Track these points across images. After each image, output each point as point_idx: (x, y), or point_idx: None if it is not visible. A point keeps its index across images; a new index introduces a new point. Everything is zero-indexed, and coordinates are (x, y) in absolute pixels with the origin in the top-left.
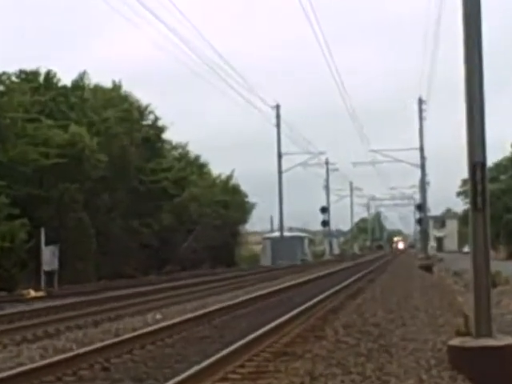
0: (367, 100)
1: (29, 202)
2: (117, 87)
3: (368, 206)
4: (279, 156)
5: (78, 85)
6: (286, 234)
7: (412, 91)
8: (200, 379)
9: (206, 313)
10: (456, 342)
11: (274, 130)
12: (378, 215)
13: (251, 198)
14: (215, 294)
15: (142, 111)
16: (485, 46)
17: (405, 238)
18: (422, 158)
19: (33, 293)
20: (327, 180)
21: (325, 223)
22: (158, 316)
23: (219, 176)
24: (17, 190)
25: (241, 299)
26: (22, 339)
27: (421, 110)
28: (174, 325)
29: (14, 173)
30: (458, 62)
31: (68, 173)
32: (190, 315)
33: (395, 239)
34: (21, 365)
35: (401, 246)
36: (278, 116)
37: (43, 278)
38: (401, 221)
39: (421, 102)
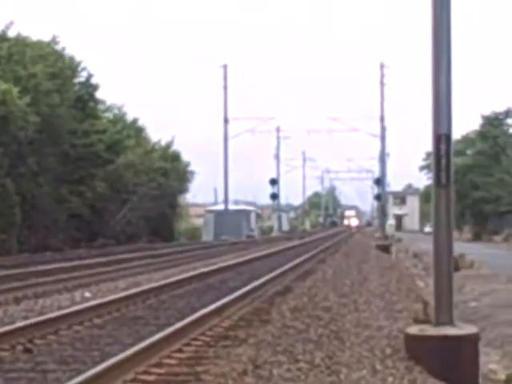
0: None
1: None
2: (52, 42)
3: (322, 179)
4: (225, 121)
5: (4, 36)
6: (231, 207)
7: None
8: (133, 363)
9: (139, 291)
10: (414, 329)
11: (221, 92)
12: (332, 189)
13: (193, 168)
14: (150, 271)
15: (75, 67)
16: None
17: (359, 213)
18: (383, 127)
19: None
20: (278, 148)
21: (274, 196)
22: (87, 294)
23: (158, 142)
24: None
25: (178, 277)
26: None
27: (382, 76)
28: (104, 304)
29: None
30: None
31: None
32: (121, 294)
33: (347, 214)
34: None
35: (354, 222)
36: (225, 77)
37: None
38: (358, 196)
39: (382, 67)
